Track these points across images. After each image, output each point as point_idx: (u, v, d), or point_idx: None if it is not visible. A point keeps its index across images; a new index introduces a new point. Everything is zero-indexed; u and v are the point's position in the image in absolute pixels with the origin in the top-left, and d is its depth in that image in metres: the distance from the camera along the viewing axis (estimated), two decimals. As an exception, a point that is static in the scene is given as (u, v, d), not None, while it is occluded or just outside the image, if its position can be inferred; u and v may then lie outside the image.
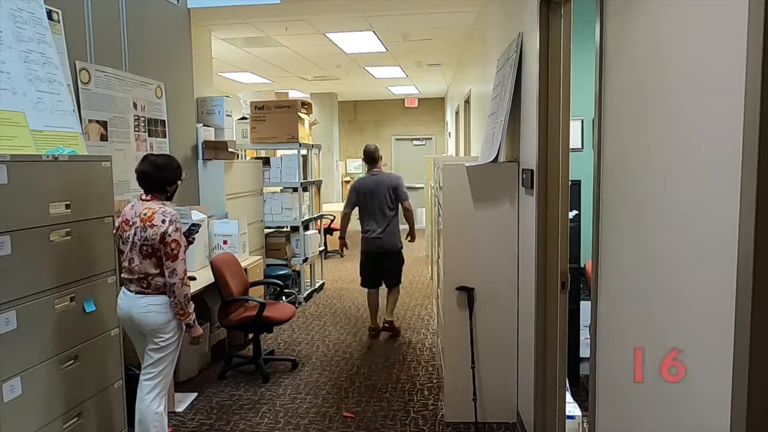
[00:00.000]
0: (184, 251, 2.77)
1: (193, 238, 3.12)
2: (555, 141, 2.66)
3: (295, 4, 5.02)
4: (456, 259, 3.36)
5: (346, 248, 5.67)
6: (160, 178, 2.80)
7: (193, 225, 3.11)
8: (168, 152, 4.54)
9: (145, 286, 2.71)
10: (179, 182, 2.92)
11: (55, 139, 2.88)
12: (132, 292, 2.74)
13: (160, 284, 2.72)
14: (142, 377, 2.81)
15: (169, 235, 2.67)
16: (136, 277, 2.72)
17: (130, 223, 2.73)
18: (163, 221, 2.67)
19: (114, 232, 2.88)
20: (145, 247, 2.68)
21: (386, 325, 5.06)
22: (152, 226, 2.67)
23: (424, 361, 4.46)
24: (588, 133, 4.30)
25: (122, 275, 2.82)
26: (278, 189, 6.51)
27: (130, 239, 2.71)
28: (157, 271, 2.71)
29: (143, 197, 2.79)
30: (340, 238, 5.55)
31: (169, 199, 2.89)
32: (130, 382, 3.16)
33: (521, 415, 3.25)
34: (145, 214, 2.70)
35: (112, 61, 3.86)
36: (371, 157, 5.12)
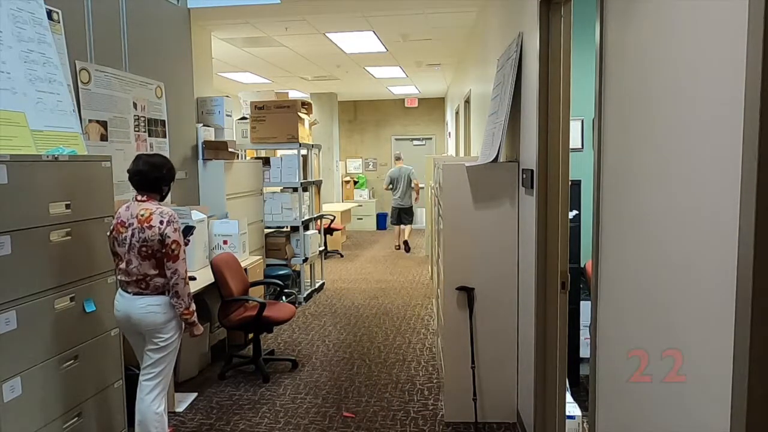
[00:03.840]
0: (184, 251, 2.76)
1: (188, 240, 3.11)
2: (555, 141, 2.66)
3: (295, 4, 5.03)
4: (456, 259, 3.36)
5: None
6: (155, 177, 2.78)
7: (188, 227, 3.11)
8: (168, 152, 4.55)
9: (143, 287, 2.71)
10: (172, 184, 2.92)
11: (55, 139, 2.88)
12: (130, 293, 2.73)
13: (159, 285, 2.72)
14: (141, 378, 2.81)
15: (169, 236, 2.66)
16: (134, 278, 2.71)
17: (126, 224, 2.71)
18: (161, 222, 2.66)
19: (108, 234, 2.86)
20: (144, 249, 2.67)
21: (404, 244, 9.74)
22: (150, 227, 2.66)
23: (424, 361, 4.46)
24: (588, 133, 4.30)
25: (119, 277, 2.80)
26: (278, 189, 6.51)
27: (128, 241, 2.70)
28: (156, 272, 2.71)
29: (138, 198, 2.78)
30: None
31: (162, 199, 2.88)
32: (130, 382, 3.16)
33: (521, 415, 3.25)
34: (142, 215, 2.68)
35: (112, 61, 3.87)
36: (398, 158, 9.93)
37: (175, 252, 2.68)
